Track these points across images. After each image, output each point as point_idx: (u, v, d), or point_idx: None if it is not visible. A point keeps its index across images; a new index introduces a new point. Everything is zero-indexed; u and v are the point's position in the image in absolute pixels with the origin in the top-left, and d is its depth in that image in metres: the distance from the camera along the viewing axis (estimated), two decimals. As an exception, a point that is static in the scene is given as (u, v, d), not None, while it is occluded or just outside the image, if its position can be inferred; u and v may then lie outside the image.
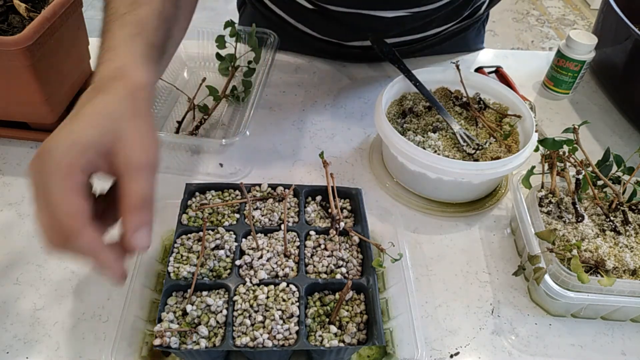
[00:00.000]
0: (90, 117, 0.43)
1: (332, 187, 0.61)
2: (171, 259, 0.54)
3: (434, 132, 0.71)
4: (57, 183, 0.40)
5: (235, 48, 0.81)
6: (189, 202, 0.59)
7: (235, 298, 0.51)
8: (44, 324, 0.55)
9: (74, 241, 0.40)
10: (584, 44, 0.84)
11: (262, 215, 0.59)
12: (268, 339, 0.48)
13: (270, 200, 0.60)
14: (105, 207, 0.45)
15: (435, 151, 0.67)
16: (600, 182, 0.64)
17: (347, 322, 0.50)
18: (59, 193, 0.40)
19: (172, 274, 0.52)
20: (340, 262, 0.55)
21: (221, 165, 0.74)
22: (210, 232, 0.56)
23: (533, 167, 0.64)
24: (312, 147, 0.78)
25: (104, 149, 0.42)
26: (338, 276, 0.53)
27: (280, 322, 0.49)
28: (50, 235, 0.41)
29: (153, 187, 0.43)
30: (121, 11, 0.50)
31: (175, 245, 0.55)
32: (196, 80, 0.84)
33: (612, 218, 0.60)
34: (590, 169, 0.63)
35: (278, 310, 0.50)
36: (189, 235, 0.56)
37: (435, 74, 0.78)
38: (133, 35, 0.49)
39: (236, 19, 0.97)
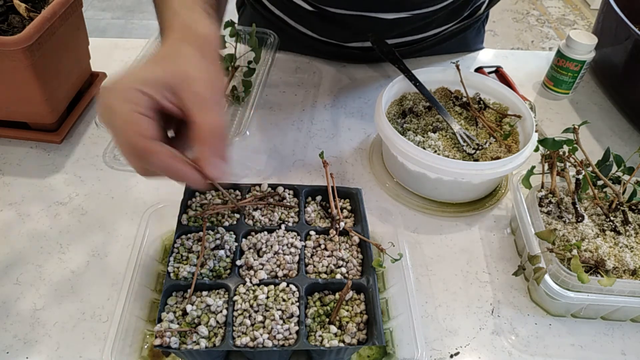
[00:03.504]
0: (161, 62, 0.46)
1: (332, 187, 0.61)
2: (171, 259, 0.54)
3: (434, 132, 0.71)
4: (121, 107, 0.42)
5: (235, 48, 0.81)
6: (189, 202, 0.59)
7: (235, 298, 0.51)
8: (44, 324, 0.55)
9: (150, 158, 0.42)
10: (584, 44, 0.84)
11: (262, 215, 0.59)
12: (268, 339, 0.48)
13: (270, 200, 0.60)
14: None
15: (435, 151, 0.67)
16: (600, 182, 0.64)
17: (347, 322, 0.50)
18: (124, 116, 0.42)
19: (172, 274, 0.52)
20: (340, 262, 0.55)
21: (221, 165, 0.74)
22: (210, 232, 0.56)
23: (533, 167, 0.64)
24: (312, 147, 0.78)
25: (170, 85, 0.44)
26: (338, 276, 0.53)
27: (280, 322, 0.49)
28: (131, 161, 0.43)
29: (222, 121, 0.45)
30: None
31: (175, 245, 0.55)
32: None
33: (612, 218, 0.60)
34: (590, 169, 0.63)
35: (278, 310, 0.50)
36: (189, 235, 0.56)
37: (435, 74, 0.78)
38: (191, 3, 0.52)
39: (236, 19, 0.97)
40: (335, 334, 0.49)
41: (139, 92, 0.43)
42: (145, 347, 0.52)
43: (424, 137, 0.70)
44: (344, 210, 0.61)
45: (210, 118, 0.44)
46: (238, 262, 0.54)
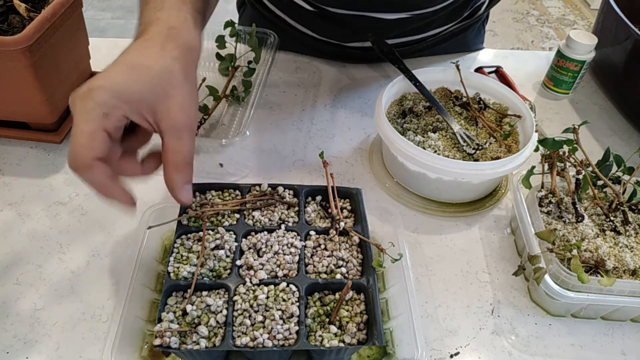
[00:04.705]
0: (143, 70, 0.45)
1: (332, 187, 0.61)
2: (171, 259, 0.54)
3: (434, 132, 0.71)
4: (87, 119, 0.43)
5: (235, 48, 0.81)
6: (189, 202, 0.59)
7: (235, 298, 0.51)
8: (44, 324, 0.55)
9: (82, 172, 0.44)
10: (584, 44, 0.84)
11: (262, 215, 0.59)
12: (268, 339, 0.48)
13: (270, 199, 0.60)
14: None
15: (435, 151, 0.67)
16: (600, 182, 0.64)
17: (347, 322, 0.50)
18: (85, 128, 0.43)
19: (172, 274, 0.52)
20: (340, 262, 0.55)
21: (221, 165, 0.74)
22: (210, 232, 0.56)
23: (533, 167, 0.64)
24: (312, 147, 0.78)
25: (148, 103, 0.45)
26: (338, 276, 0.53)
27: (280, 322, 0.49)
28: (69, 158, 0.44)
29: (193, 147, 0.47)
30: None
31: (175, 245, 0.55)
32: (196, 80, 0.84)
33: (612, 218, 0.60)
34: (590, 169, 0.63)
35: (278, 310, 0.50)
36: (189, 235, 0.56)
37: (435, 74, 0.78)
38: (181, 1, 0.52)
39: (236, 19, 0.97)
40: (335, 334, 0.49)
41: (109, 108, 0.43)
42: (145, 347, 0.52)
43: (424, 137, 0.70)
44: (344, 210, 0.61)
45: (184, 146, 0.46)
46: (238, 262, 0.54)
